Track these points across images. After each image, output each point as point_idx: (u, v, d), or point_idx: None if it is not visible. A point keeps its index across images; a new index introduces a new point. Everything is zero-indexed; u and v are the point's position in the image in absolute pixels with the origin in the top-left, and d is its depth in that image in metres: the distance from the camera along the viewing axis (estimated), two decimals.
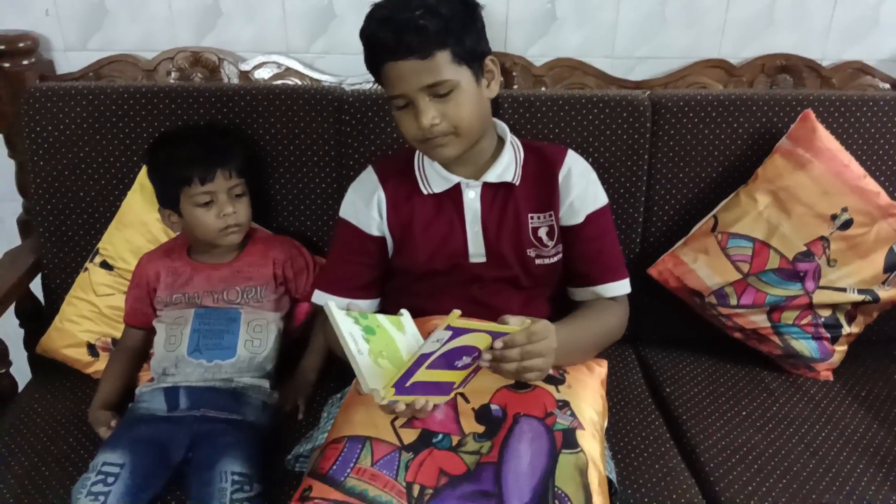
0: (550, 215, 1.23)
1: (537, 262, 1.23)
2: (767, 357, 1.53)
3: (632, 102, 1.52)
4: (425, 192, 1.22)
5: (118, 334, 1.47)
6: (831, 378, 1.51)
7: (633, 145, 1.52)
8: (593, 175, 1.29)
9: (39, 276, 1.57)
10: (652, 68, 1.75)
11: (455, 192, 1.22)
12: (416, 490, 0.97)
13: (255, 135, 1.51)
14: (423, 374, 0.93)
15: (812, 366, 1.51)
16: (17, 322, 1.59)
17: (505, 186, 1.22)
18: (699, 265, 1.49)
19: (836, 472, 1.24)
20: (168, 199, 1.36)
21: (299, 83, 1.66)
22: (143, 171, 1.46)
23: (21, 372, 1.56)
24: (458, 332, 0.90)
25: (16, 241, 1.70)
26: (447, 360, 0.95)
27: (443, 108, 1.09)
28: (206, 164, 1.31)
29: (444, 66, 1.07)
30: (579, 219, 1.24)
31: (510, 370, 1.00)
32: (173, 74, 1.67)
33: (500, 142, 1.25)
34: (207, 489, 1.15)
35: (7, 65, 1.59)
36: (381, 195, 1.24)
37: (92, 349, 1.49)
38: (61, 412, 1.40)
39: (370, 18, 1.10)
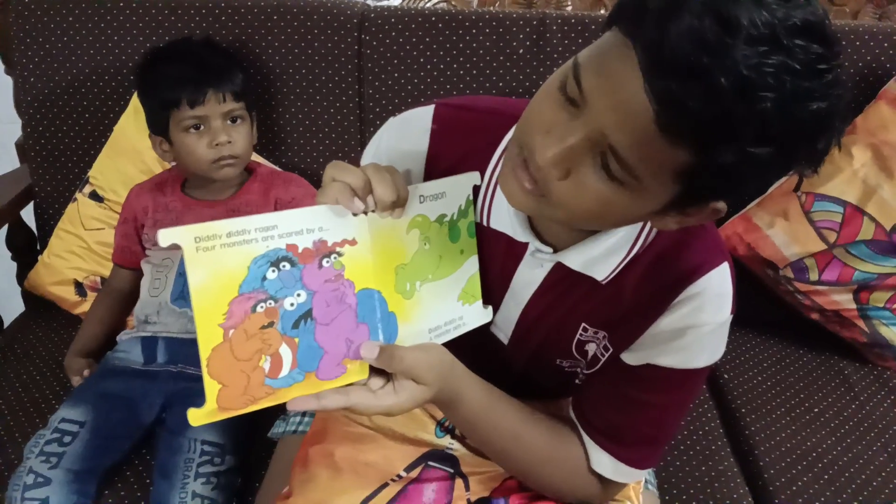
0: (604, 336, 0.77)
1: (567, 370, 0.82)
2: (849, 345, 1.31)
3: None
4: (483, 223, 0.76)
5: (108, 273, 1.33)
6: None
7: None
8: (720, 329, 0.74)
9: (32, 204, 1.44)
10: None
11: (515, 249, 0.76)
12: None
13: (263, 55, 1.32)
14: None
15: None
16: (9, 254, 1.47)
17: (584, 279, 0.74)
18: (776, 231, 1.26)
19: None
20: (157, 125, 1.19)
21: None
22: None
23: (15, 309, 1.45)
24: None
25: (16, 167, 1.56)
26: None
27: None
28: (196, 83, 1.13)
29: None
30: (633, 360, 0.76)
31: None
32: None
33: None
34: (174, 458, 1.01)
35: None
36: None
37: (80, 288, 1.36)
38: (42, 356, 1.28)
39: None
